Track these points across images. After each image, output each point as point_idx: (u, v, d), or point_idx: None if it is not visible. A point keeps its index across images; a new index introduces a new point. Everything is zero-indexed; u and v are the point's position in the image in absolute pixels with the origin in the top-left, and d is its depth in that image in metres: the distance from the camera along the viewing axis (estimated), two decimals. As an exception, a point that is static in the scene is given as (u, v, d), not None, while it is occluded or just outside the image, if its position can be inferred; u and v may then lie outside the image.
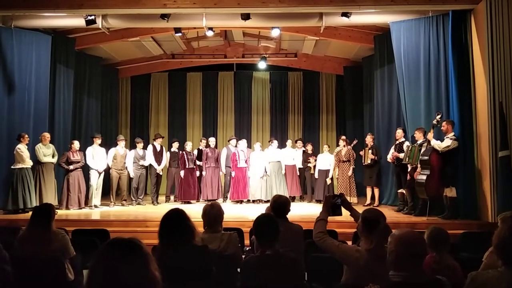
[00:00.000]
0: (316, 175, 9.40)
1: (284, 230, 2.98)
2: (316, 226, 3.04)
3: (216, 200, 8.80)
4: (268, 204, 3.84)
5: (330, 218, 3.15)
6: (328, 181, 9.33)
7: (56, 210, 3.90)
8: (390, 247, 2.14)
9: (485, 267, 2.80)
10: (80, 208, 8.22)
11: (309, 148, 9.94)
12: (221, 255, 3.05)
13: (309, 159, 9.71)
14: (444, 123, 6.82)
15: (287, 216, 3.61)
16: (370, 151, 8.59)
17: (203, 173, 9.34)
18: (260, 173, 9.41)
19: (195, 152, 9.70)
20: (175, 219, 2.70)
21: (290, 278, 2.71)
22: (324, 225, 3.05)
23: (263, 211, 3.61)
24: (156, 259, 2.52)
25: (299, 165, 9.85)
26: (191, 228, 2.70)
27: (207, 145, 9.62)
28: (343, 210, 3.20)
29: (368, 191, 8.87)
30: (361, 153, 8.97)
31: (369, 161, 8.61)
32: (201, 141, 9.89)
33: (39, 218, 3.51)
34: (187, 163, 9.27)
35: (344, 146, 9.18)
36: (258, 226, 2.88)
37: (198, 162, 9.55)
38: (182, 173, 9.23)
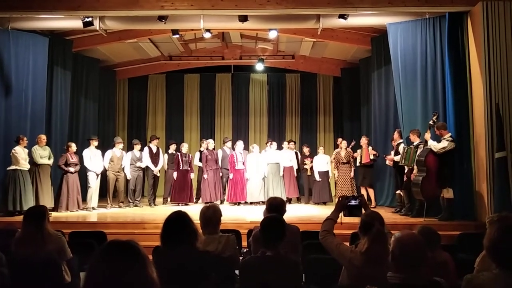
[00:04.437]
0: (317, 178, 9.35)
1: None
2: (323, 225, 3.10)
3: (215, 202, 8.77)
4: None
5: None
6: (330, 181, 9.33)
7: (50, 212, 3.87)
8: (391, 249, 2.17)
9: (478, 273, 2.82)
10: (77, 210, 8.18)
11: (306, 150, 9.93)
12: (218, 257, 3.05)
13: (305, 161, 9.71)
14: (435, 129, 6.80)
15: (284, 217, 3.61)
16: (370, 147, 8.53)
17: (204, 176, 9.26)
18: (259, 174, 9.40)
19: (197, 154, 9.66)
20: (178, 221, 2.68)
21: (289, 280, 2.71)
22: (330, 225, 3.10)
23: (262, 213, 3.61)
24: (156, 260, 2.54)
25: (296, 166, 9.84)
26: (194, 231, 2.68)
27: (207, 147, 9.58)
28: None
29: (363, 191, 8.85)
30: (355, 154, 8.99)
31: (371, 157, 8.57)
32: (202, 142, 9.78)
33: (31, 220, 3.49)
34: (181, 164, 9.24)
35: (346, 148, 9.16)
36: (266, 226, 2.88)
37: (199, 164, 9.51)
38: (175, 174, 9.20)
